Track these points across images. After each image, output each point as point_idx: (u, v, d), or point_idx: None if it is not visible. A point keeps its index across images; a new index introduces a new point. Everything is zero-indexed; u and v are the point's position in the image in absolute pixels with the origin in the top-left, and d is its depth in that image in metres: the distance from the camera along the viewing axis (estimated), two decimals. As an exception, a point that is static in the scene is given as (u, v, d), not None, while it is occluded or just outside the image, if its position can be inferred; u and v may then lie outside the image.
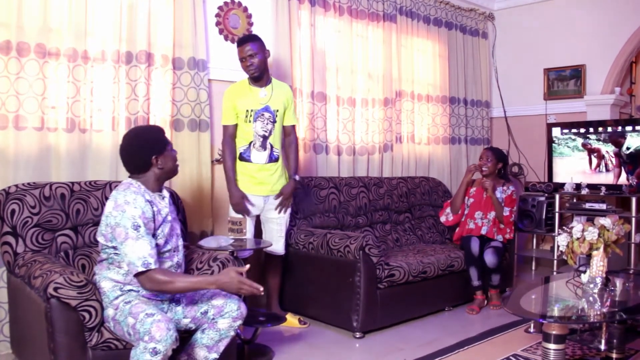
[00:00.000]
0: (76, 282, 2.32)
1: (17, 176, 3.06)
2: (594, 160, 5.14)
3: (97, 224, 2.95)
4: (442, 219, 4.60)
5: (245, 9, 4.16)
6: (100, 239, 2.45)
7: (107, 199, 2.95)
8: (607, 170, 5.06)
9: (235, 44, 3.64)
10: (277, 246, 3.72)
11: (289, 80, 4.22)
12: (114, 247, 2.40)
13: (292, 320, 3.74)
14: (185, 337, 2.56)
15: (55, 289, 2.28)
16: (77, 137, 3.31)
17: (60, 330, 2.30)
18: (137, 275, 2.33)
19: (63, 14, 3.23)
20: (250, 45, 3.50)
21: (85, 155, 3.35)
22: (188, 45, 3.74)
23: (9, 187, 2.83)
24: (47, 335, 2.33)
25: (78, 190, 2.97)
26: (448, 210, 4.55)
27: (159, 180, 2.56)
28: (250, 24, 4.18)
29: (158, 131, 2.62)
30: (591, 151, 5.16)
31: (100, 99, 3.41)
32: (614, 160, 5.02)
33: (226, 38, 4.07)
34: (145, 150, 2.50)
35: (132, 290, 2.46)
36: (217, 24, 4.03)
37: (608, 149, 5.05)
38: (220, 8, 4.03)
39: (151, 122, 3.60)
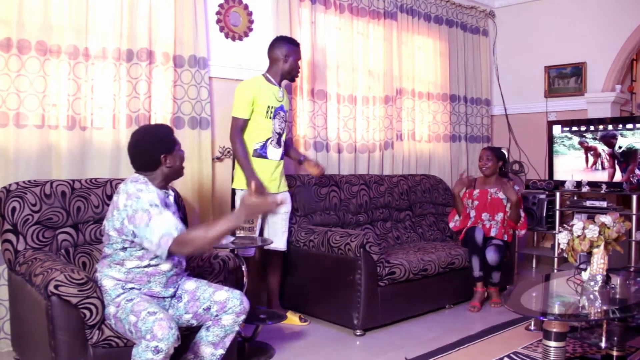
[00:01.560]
0: (77, 279, 2.32)
1: (18, 174, 3.06)
2: (590, 159, 5.15)
3: (97, 221, 2.97)
4: (451, 224, 4.61)
5: (246, 7, 4.16)
6: (112, 233, 2.43)
7: (107, 196, 2.98)
8: (603, 168, 5.08)
9: (289, 41, 3.68)
10: (280, 242, 3.72)
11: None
12: (130, 241, 2.40)
13: (292, 318, 3.74)
14: (186, 335, 2.56)
15: (56, 287, 2.28)
16: (77, 134, 3.31)
17: (61, 327, 2.31)
18: (174, 244, 2.31)
19: (64, 11, 3.23)
20: None
21: (86, 153, 3.35)
22: (189, 43, 3.74)
23: (10, 185, 2.83)
24: (47, 332, 2.33)
25: (79, 188, 2.97)
26: (456, 217, 4.56)
27: (166, 179, 2.56)
28: (251, 22, 4.18)
29: (168, 130, 2.63)
30: (588, 149, 5.16)
31: (101, 96, 3.41)
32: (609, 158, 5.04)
33: (227, 36, 4.07)
34: (155, 149, 2.49)
35: (133, 288, 2.47)
36: (218, 21, 4.02)
37: (604, 148, 5.05)
38: (221, 6, 4.02)
39: (152, 120, 3.60)
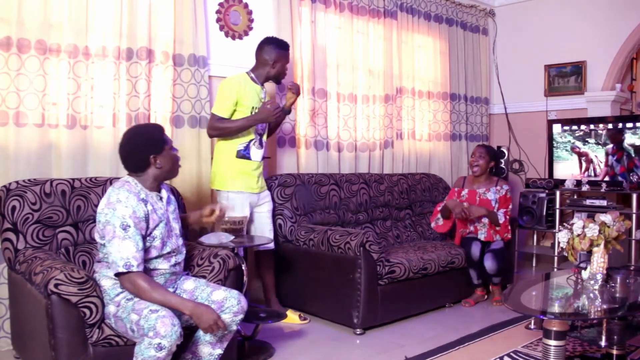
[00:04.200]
0: (77, 278, 2.32)
1: (18, 172, 3.06)
2: (583, 164, 5.14)
3: (97, 220, 2.97)
4: (433, 224, 4.51)
5: (246, 5, 4.16)
6: (96, 236, 2.45)
7: (107, 195, 2.97)
8: (595, 174, 5.07)
9: (276, 44, 3.58)
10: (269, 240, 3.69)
11: (290, 77, 4.22)
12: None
13: (292, 317, 3.73)
14: (186, 334, 2.56)
15: (56, 286, 2.28)
16: (77, 133, 3.31)
17: (61, 326, 2.31)
18: (118, 274, 2.33)
19: (63, 9, 3.23)
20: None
21: (85, 151, 3.35)
22: (188, 41, 3.73)
23: (10, 184, 2.83)
24: (47, 331, 2.33)
25: (79, 187, 2.97)
26: (439, 215, 4.45)
27: (158, 179, 2.53)
28: (251, 21, 4.18)
29: (157, 130, 2.56)
30: (580, 155, 5.16)
31: (101, 95, 3.40)
32: (602, 165, 5.02)
33: (227, 34, 4.07)
34: (143, 149, 2.46)
35: None
36: (218, 20, 4.02)
37: (597, 154, 5.05)
38: (221, 4, 4.02)
39: (152, 119, 3.60)
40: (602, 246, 2.86)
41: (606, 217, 2.91)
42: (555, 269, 4.99)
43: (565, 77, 5.66)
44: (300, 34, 4.37)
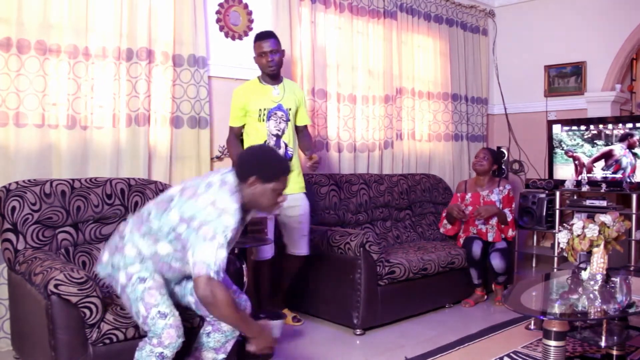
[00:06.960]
0: (77, 278, 2.32)
1: (18, 173, 3.06)
2: (578, 168, 5.14)
3: (97, 220, 2.98)
4: (442, 230, 4.58)
5: (246, 6, 4.16)
6: (174, 216, 2.25)
7: (107, 195, 2.99)
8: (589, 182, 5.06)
9: (254, 38, 3.55)
10: (297, 246, 3.61)
11: (289, 77, 4.22)
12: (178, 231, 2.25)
13: (288, 317, 3.70)
14: (187, 336, 2.56)
15: (56, 286, 2.28)
16: (77, 134, 3.30)
17: (61, 326, 2.31)
18: (200, 277, 2.13)
19: (63, 10, 3.22)
20: (271, 41, 3.48)
21: (85, 152, 3.34)
22: (188, 42, 3.73)
23: (10, 184, 2.83)
24: (47, 331, 2.33)
25: (78, 187, 2.97)
26: (445, 221, 4.52)
27: (245, 200, 2.33)
28: (251, 21, 4.18)
29: (282, 165, 2.37)
30: (574, 159, 5.15)
31: (101, 95, 3.40)
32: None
33: (227, 35, 4.07)
34: (253, 165, 2.31)
35: (149, 267, 2.35)
36: (218, 20, 4.02)
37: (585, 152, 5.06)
38: (220, 5, 4.02)
39: (151, 119, 3.60)
40: (601, 247, 2.86)
41: (606, 218, 2.91)
42: (555, 270, 4.99)
43: (565, 77, 5.66)
44: (300, 34, 4.37)
